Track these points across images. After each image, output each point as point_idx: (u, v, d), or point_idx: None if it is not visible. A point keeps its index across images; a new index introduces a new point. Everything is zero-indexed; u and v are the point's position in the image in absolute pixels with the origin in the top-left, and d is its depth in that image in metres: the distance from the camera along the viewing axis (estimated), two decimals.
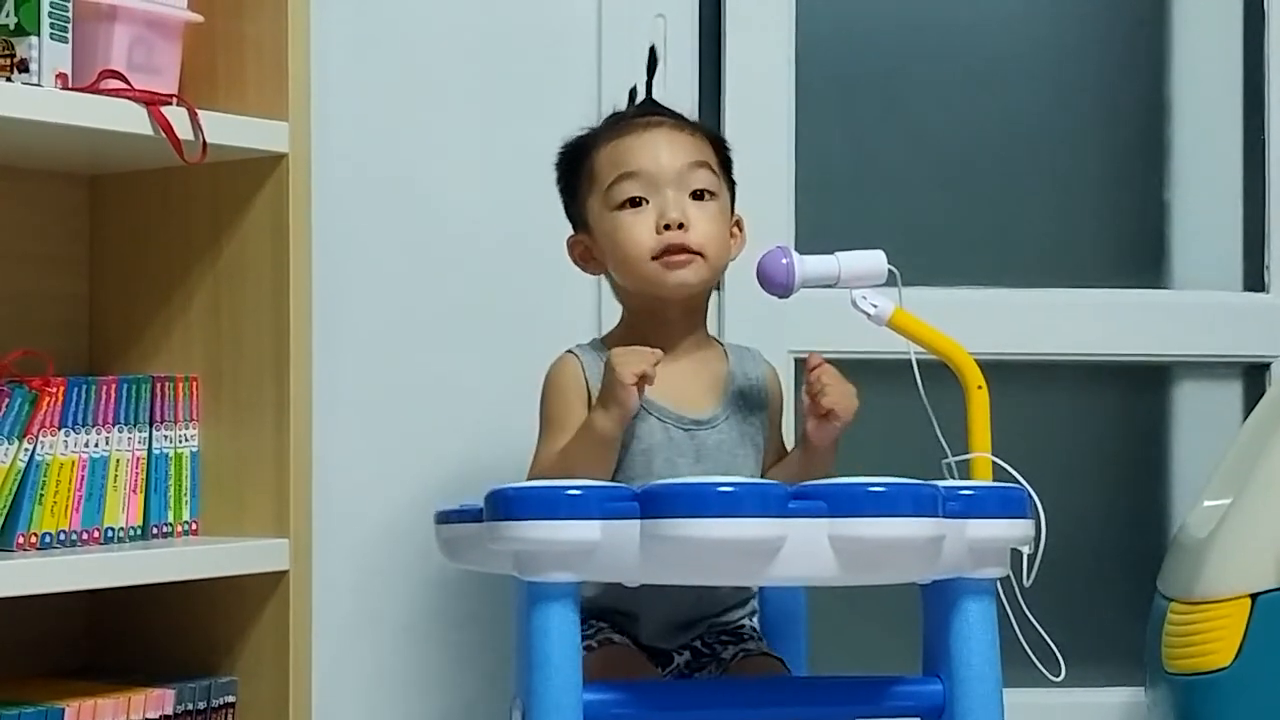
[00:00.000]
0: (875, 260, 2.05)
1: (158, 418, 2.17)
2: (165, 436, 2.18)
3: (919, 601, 1.87)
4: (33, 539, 2.01)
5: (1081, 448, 2.68)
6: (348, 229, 2.39)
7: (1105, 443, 2.70)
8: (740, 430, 2.07)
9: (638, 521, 1.71)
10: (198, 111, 2.06)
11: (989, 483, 1.94)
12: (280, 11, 2.15)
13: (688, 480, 1.76)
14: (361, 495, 2.40)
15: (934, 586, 1.84)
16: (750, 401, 2.09)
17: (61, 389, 2.05)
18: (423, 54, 2.44)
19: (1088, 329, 2.58)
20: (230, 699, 2.18)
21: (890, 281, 2.05)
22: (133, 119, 2.00)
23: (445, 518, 1.94)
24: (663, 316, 2.06)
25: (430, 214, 2.44)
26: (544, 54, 2.46)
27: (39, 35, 1.93)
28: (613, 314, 2.27)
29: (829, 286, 2.05)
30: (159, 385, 2.17)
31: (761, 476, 2.06)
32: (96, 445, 2.10)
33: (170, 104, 2.04)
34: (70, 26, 1.97)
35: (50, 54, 1.94)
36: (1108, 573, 2.66)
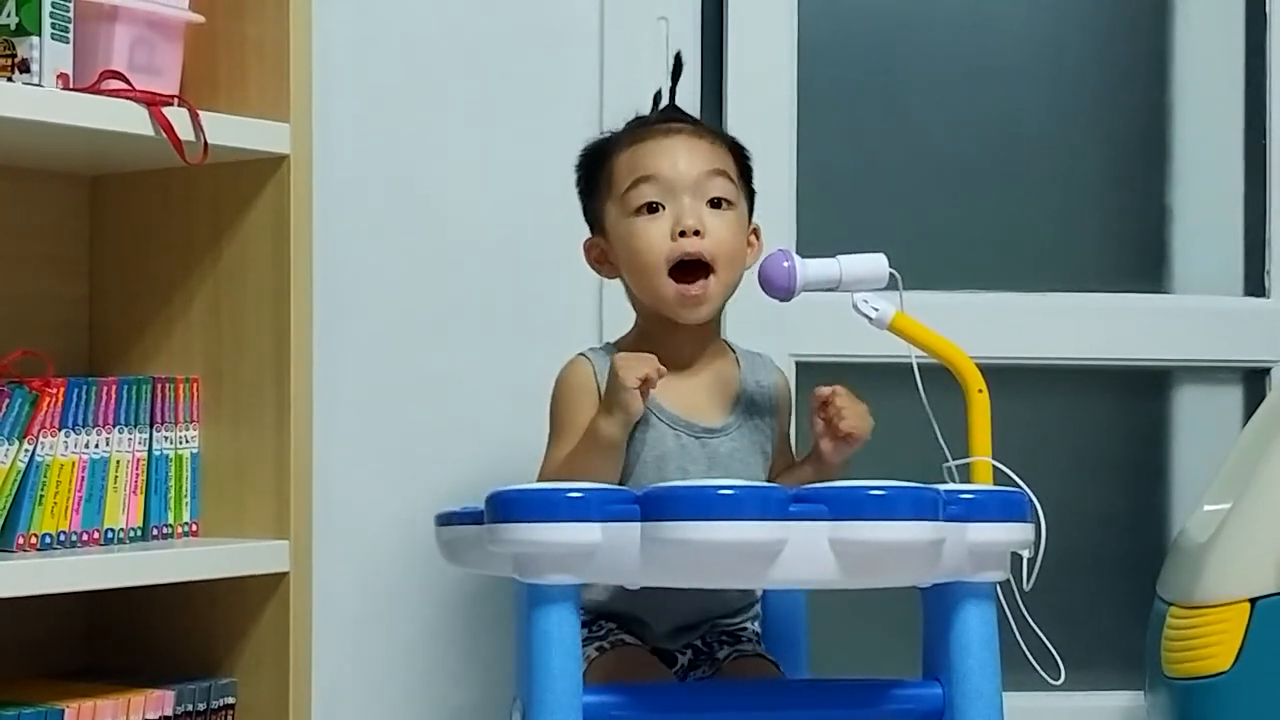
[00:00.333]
0: (876, 264, 2.05)
1: (158, 419, 2.17)
2: (165, 437, 2.18)
3: (919, 605, 1.87)
4: (33, 540, 2.01)
5: (1082, 452, 2.68)
6: (348, 230, 2.39)
7: (1105, 447, 2.70)
8: (751, 438, 2.07)
9: (638, 524, 1.71)
10: (199, 112, 2.06)
11: (989, 486, 1.94)
12: (282, 12, 2.15)
13: (688, 483, 1.76)
14: (361, 496, 2.40)
15: (934, 590, 1.84)
16: (761, 409, 2.09)
17: (62, 390, 2.05)
18: (424, 56, 2.44)
19: (1088, 333, 2.58)
20: (230, 700, 2.18)
21: (891, 285, 2.05)
22: (134, 119, 2.00)
23: (445, 519, 1.93)
24: (675, 325, 2.06)
25: (431, 215, 2.44)
26: (545, 56, 2.46)
27: (40, 35, 1.93)
28: (613, 315, 2.27)
29: (830, 290, 2.05)
30: (159, 386, 2.17)
31: (769, 483, 2.06)
32: (97, 446, 2.09)
33: (171, 104, 2.04)
34: (71, 27, 1.97)
35: (51, 54, 1.94)
36: (1108, 577, 2.66)
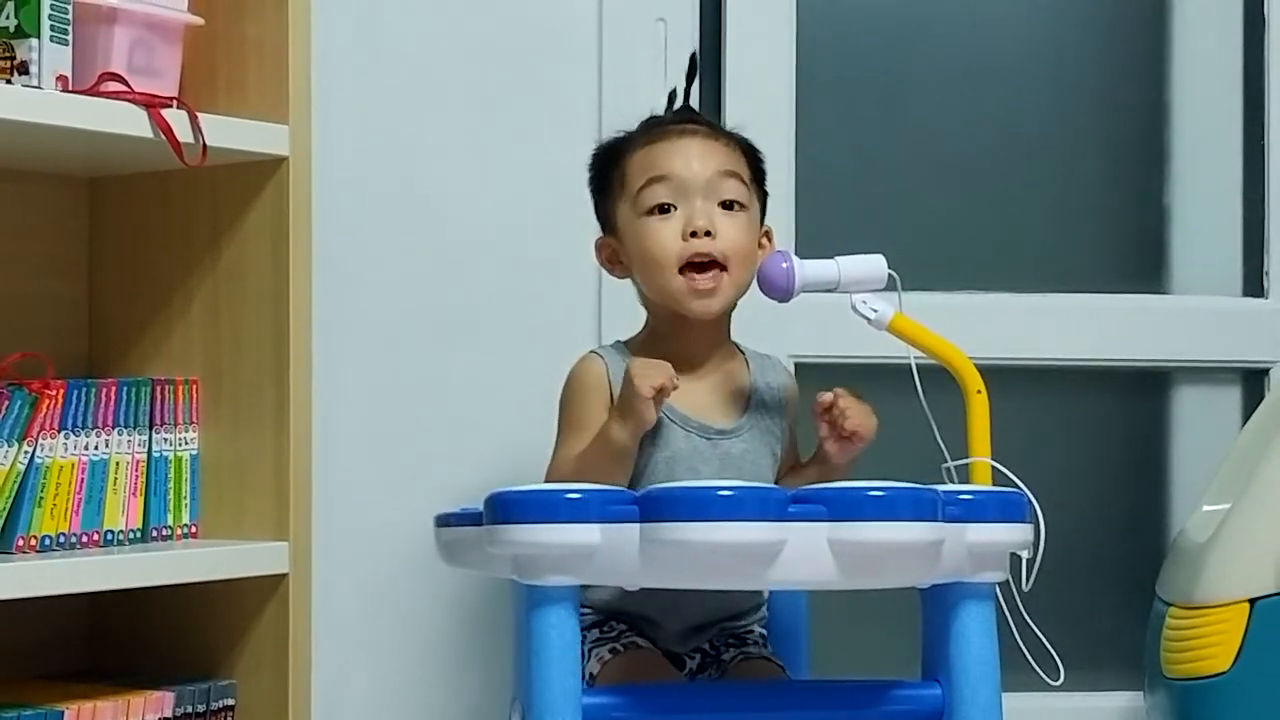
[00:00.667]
0: (875, 265, 2.05)
1: (157, 420, 2.17)
2: (165, 439, 2.18)
3: (918, 606, 1.87)
4: (32, 541, 2.01)
5: (1081, 452, 2.68)
6: (348, 232, 2.39)
7: (1104, 447, 2.70)
8: (762, 440, 2.07)
9: (637, 525, 1.71)
10: (198, 114, 2.06)
11: (988, 487, 1.94)
12: (281, 14, 2.14)
13: (687, 484, 1.76)
14: (361, 498, 2.40)
15: (933, 591, 1.84)
16: (771, 410, 2.09)
17: (61, 391, 2.05)
18: (423, 57, 2.44)
19: (1087, 334, 2.58)
20: (230, 701, 2.18)
21: (890, 286, 2.05)
22: (133, 121, 2.00)
23: (445, 521, 1.94)
24: (686, 325, 2.06)
25: (430, 217, 2.44)
26: (544, 58, 2.46)
27: (39, 37, 1.93)
28: (613, 315, 2.28)
29: (829, 291, 2.05)
30: (159, 388, 2.17)
31: (776, 485, 2.06)
32: (96, 448, 2.09)
33: (170, 106, 2.04)
34: (70, 29, 1.97)
35: (50, 56, 1.94)
36: (1107, 577, 2.66)
